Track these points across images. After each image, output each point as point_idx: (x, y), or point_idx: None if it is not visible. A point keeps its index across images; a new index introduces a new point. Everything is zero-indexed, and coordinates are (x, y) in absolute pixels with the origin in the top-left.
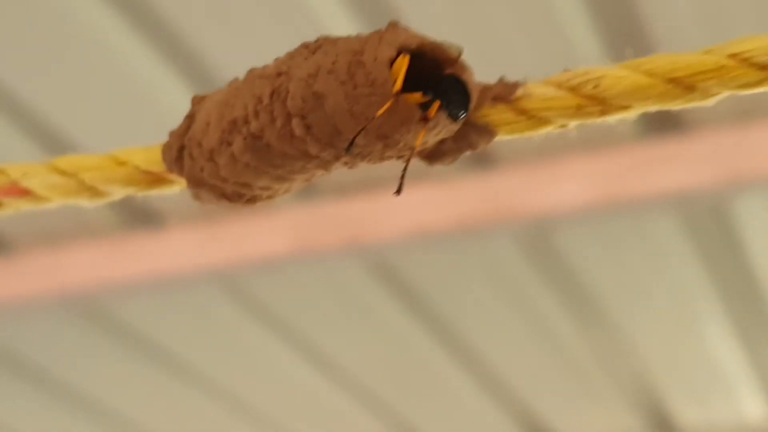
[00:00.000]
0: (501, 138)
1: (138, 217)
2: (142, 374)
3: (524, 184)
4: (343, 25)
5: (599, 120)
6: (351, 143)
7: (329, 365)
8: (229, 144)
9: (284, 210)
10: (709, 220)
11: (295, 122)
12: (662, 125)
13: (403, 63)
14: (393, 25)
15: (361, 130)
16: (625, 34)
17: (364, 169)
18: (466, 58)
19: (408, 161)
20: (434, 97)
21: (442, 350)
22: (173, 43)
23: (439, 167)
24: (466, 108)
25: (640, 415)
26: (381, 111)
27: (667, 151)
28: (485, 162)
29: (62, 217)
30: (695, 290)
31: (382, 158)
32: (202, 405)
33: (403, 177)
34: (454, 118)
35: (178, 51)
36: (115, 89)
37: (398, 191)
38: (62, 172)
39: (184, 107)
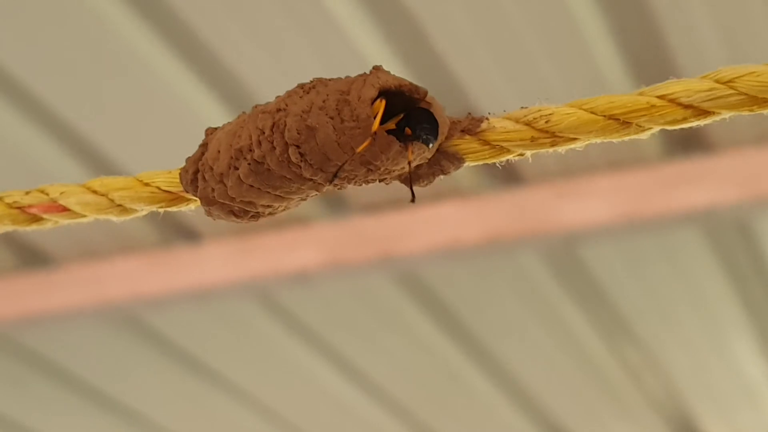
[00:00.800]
0: (468, 164)
1: (175, 232)
2: (178, 383)
3: (552, 201)
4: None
5: (551, 150)
6: (337, 171)
7: (360, 376)
8: (236, 168)
9: (317, 225)
10: (733, 237)
11: (292, 150)
12: (687, 144)
13: (380, 105)
14: (376, 69)
15: (347, 161)
16: (650, 60)
17: (393, 186)
18: (500, 81)
19: (410, 173)
20: (408, 127)
21: (471, 363)
22: (214, 66)
23: (470, 185)
24: (435, 135)
25: (668, 428)
26: (361, 147)
27: (692, 170)
28: (513, 179)
29: (103, 232)
30: (721, 305)
31: (366, 181)
32: (236, 414)
33: (411, 187)
34: (426, 144)
35: (218, 75)
36: (159, 112)
37: (413, 200)
38: (95, 192)
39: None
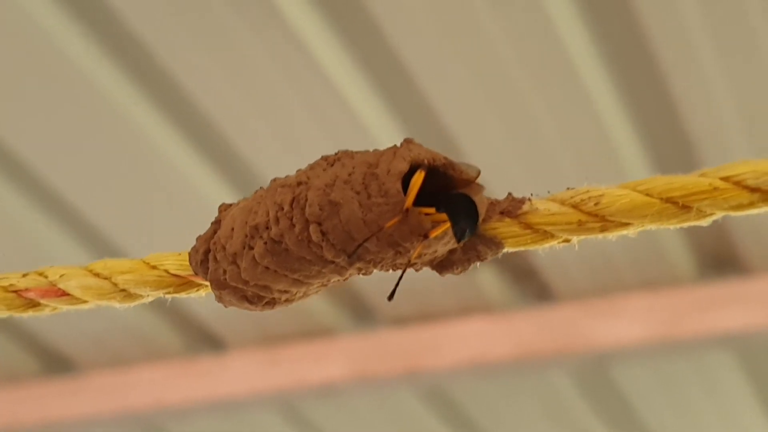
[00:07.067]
0: (508, 250)
1: (200, 340)
2: None
3: (583, 320)
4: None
5: (600, 236)
6: (356, 249)
7: None
8: (251, 248)
9: (343, 337)
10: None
11: (313, 228)
12: (721, 266)
13: (418, 178)
14: (408, 141)
15: (369, 237)
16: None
17: (421, 299)
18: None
19: (404, 271)
20: (445, 214)
21: None
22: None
23: (500, 301)
24: (472, 229)
25: None
26: (390, 223)
27: (727, 292)
28: (544, 295)
29: (127, 339)
30: (754, 429)
31: (394, 265)
32: None
33: (397, 284)
34: (458, 238)
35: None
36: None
37: (391, 297)
38: (97, 275)
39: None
